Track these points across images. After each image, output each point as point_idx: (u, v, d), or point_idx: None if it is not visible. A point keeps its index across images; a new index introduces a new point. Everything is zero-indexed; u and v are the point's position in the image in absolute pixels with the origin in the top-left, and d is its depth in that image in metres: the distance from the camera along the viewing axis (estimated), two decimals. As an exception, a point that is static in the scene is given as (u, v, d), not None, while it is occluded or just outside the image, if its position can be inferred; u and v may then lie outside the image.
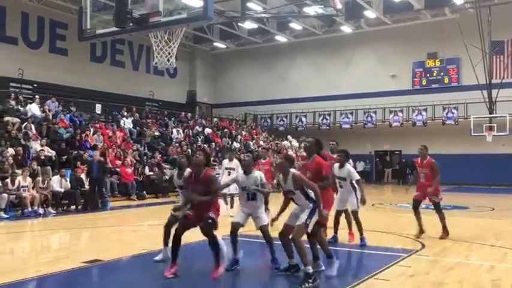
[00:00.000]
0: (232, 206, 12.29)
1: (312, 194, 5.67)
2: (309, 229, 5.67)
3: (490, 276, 6.24)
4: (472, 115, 24.84)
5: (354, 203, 7.98)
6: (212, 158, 22.23)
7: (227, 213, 9.83)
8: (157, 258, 6.43)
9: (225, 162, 12.56)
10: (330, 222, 7.87)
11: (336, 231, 8.22)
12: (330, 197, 6.52)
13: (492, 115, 24.61)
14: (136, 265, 5.71)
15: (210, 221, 5.70)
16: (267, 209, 6.82)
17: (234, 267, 6.20)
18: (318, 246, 6.12)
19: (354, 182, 7.92)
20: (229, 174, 11.80)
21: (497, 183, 24.06)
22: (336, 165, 8.10)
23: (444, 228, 8.66)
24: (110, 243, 5.68)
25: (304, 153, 7.12)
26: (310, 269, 5.43)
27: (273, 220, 6.00)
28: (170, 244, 5.95)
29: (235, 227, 6.29)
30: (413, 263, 6.91)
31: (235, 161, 12.58)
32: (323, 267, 6.12)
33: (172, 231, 6.03)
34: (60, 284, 5.84)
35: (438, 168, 8.76)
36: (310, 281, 5.34)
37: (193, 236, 5.97)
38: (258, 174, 6.53)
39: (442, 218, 8.67)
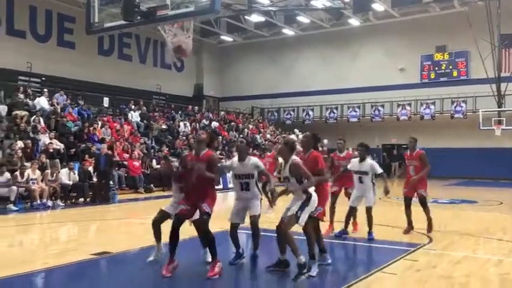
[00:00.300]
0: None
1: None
2: (301, 221, 5.47)
3: (498, 270, 6.22)
4: (481, 109, 24.66)
5: (370, 199, 7.94)
6: (219, 152, 22.30)
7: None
8: (151, 258, 6.02)
9: (235, 154, 12.43)
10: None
11: (346, 226, 8.18)
12: (326, 193, 6.27)
13: (501, 109, 24.43)
14: (144, 257, 5.75)
15: (205, 216, 5.49)
16: (261, 199, 6.39)
17: (237, 261, 6.08)
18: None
19: (376, 174, 7.95)
20: None
21: (506, 178, 23.90)
22: (355, 160, 8.07)
23: (430, 222, 8.43)
24: (118, 235, 5.73)
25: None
26: (302, 259, 5.33)
27: (270, 202, 5.99)
28: (162, 239, 5.87)
29: (233, 227, 6.10)
30: (421, 256, 6.90)
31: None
32: (329, 261, 6.08)
33: (166, 227, 5.83)
34: (68, 275, 5.90)
35: (427, 160, 8.54)
36: (305, 271, 5.28)
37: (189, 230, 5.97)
38: (254, 160, 6.13)
39: (428, 212, 8.43)
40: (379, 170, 7.98)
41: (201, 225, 5.52)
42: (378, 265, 6.29)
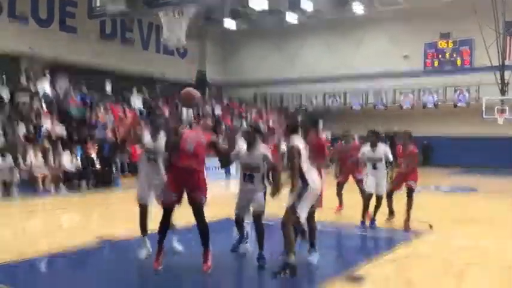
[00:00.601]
0: None
1: (306, 174, 5.13)
2: (300, 213, 5.08)
3: (499, 258, 6.26)
4: (484, 97, 24.56)
5: (383, 187, 7.93)
6: (221, 139, 22.31)
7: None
8: (143, 255, 5.63)
9: (241, 142, 12.18)
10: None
11: (374, 214, 8.04)
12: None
13: (504, 97, 24.32)
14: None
15: (203, 202, 5.20)
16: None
17: (239, 245, 5.99)
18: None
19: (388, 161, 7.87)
20: None
21: (508, 167, 23.87)
22: (367, 147, 7.94)
23: (408, 217, 7.85)
24: (121, 221, 5.76)
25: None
26: (291, 260, 4.98)
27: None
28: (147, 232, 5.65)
29: (237, 219, 5.85)
30: (420, 244, 6.94)
31: None
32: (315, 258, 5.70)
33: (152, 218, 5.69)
34: (74, 261, 5.95)
35: (418, 159, 8.11)
36: (287, 272, 4.93)
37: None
38: (263, 150, 5.52)
39: (410, 205, 7.82)
40: (391, 158, 7.89)
41: (199, 211, 5.19)
42: (378, 252, 6.34)
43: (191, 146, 5.15)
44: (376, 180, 7.94)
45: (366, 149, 7.99)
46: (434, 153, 25.76)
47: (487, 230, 8.25)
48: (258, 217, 5.49)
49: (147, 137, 5.66)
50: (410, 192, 7.92)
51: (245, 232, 6.00)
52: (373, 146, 7.89)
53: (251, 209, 5.66)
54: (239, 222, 5.90)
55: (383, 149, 7.88)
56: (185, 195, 5.23)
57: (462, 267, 5.80)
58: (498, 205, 11.62)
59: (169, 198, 5.19)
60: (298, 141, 5.23)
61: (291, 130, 5.36)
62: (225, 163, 5.72)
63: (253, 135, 5.50)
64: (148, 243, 5.64)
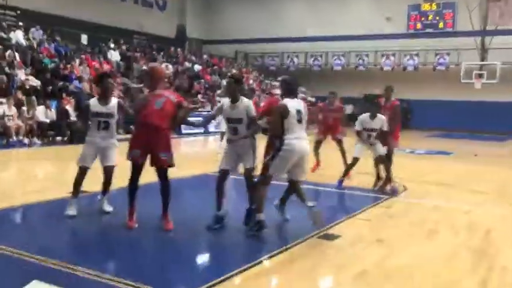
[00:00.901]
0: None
1: (287, 135, 5.02)
2: (271, 172, 5.07)
3: (467, 219, 6.43)
4: (464, 62, 24.73)
5: (379, 148, 7.75)
6: (201, 95, 22.07)
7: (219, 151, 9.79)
8: (70, 212, 5.45)
9: (224, 100, 11.90)
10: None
11: (378, 178, 8.05)
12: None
13: (483, 62, 24.54)
14: (121, 197, 5.76)
15: (167, 161, 5.04)
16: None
17: (216, 225, 5.23)
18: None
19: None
20: None
21: (484, 131, 24.35)
22: (366, 116, 7.68)
23: (388, 178, 7.83)
24: (96, 175, 5.70)
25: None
26: (260, 217, 5.00)
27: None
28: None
29: (222, 175, 5.34)
30: (395, 204, 7.08)
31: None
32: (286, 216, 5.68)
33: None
34: (47, 212, 5.91)
35: (400, 113, 8.22)
36: (255, 229, 5.00)
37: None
38: (247, 103, 5.25)
39: (389, 168, 7.79)
40: (386, 128, 7.69)
41: (164, 171, 5.09)
42: (353, 211, 6.44)
43: (159, 103, 5.02)
44: (366, 147, 7.80)
45: (366, 118, 7.73)
46: (413, 117, 26.08)
47: (458, 191, 8.45)
48: (248, 174, 5.28)
49: (93, 102, 5.56)
50: (389, 155, 7.91)
51: (223, 211, 5.33)
52: (373, 116, 7.66)
53: (241, 166, 5.40)
54: (221, 183, 5.31)
55: (382, 120, 7.66)
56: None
57: (432, 226, 5.96)
58: (471, 168, 11.88)
59: (133, 155, 5.06)
60: (291, 103, 5.09)
61: (283, 93, 5.31)
62: (176, 125, 5.35)
63: (233, 86, 5.27)
64: (75, 207, 5.51)
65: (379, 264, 4.46)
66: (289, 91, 5.26)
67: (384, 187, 7.81)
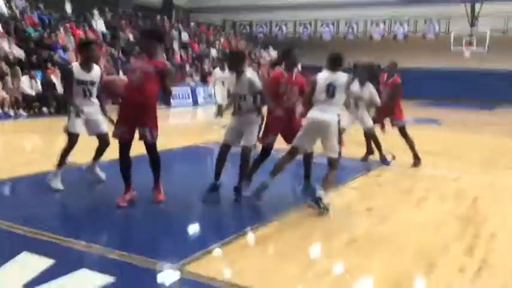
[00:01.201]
0: (221, 115, 11.80)
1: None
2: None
3: (455, 186, 6.51)
4: (454, 30, 24.63)
5: (368, 121, 7.60)
6: (189, 65, 21.79)
7: (216, 122, 9.66)
8: (57, 186, 5.37)
9: (217, 71, 11.48)
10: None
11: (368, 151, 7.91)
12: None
13: (473, 30, 24.46)
14: (111, 169, 5.72)
15: (153, 137, 4.87)
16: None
17: (211, 193, 5.25)
18: None
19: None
20: (223, 85, 11.28)
21: (473, 99, 24.45)
22: (355, 85, 7.21)
23: (414, 154, 7.71)
24: (83, 147, 5.63)
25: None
26: (246, 192, 5.19)
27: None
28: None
29: (223, 147, 5.32)
30: (383, 173, 7.13)
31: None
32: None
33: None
34: (35, 185, 5.84)
35: (401, 90, 7.92)
36: (238, 200, 5.18)
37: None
38: (251, 75, 5.18)
39: (410, 142, 7.70)
40: (378, 103, 7.45)
41: (152, 146, 4.94)
42: (341, 180, 6.46)
43: (137, 78, 4.77)
44: (354, 118, 7.59)
45: (354, 87, 7.22)
46: (403, 86, 26.03)
47: (447, 159, 8.52)
48: (245, 152, 5.20)
49: (76, 69, 5.40)
50: (403, 131, 7.71)
51: (219, 182, 5.33)
52: (362, 84, 7.44)
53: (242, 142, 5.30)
54: (222, 155, 5.31)
55: (370, 91, 7.44)
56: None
57: (421, 194, 6.02)
58: (459, 136, 11.98)
59: (118, 132, 4.91)
60: (323, 75, 5.08)
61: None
62: (167, 94, 5.01)
63: (235, 62, 5.22)
64: (60, 179, 5.43)
65: (368, 233, 4.51)
66: (331, 63, 5.13)
67: (383, 157, 7.65)
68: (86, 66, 5.42)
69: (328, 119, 4.98)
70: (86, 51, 5.48)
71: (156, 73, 4.78)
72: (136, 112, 4.79)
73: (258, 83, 5.18)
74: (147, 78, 4.77)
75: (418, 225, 4.77)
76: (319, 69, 5.28)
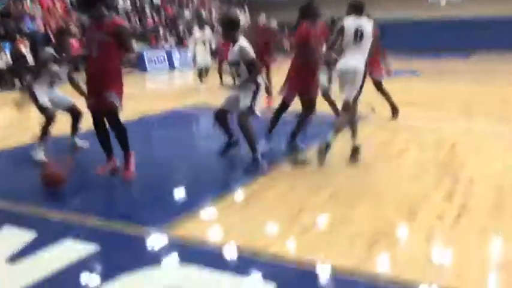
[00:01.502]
0: (201, 80, 11.60)
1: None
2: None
3: (434, 136, 6.59)
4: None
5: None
6: (162, 29, 21.28)
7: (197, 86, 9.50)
8: (40, 157, 5.36)
9: (196, 31, 11.18)
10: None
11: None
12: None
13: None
14: (90, 140, 5.63)
15: (114, 104, 4.63)
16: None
17: (230, 149, 5.42)
18: None
19: None
20: (204, 45, 11.02)
21: (449, 48, 24.52)
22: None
23: (392, 105, 7.82)
24: (61, 119, 5.53)
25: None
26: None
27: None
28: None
29: (218, 113, 5.33)
30: (363, 125, 7.14)
31: (208, 30, 11.50)
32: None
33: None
34: (13, 158, 5.78)
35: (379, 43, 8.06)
36: (355, 157, 5.29)
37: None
38: (240, 46, 5.07)
39: (387, 95, 7.82)
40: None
41: (111, 116, 4.70)
42: (319, 136, 6.47)
43: (95, 49, 4.59)
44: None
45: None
46: (380, 37, 25.93)
47: (426, 110, 8.60)
48: (239, 119, 5.11)
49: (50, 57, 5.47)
50: (379, 86, 7.76)
51: (234, 137, 5.45)
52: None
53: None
54: (220, 117, 5.34)
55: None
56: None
57: (401, 145, 6.09)
58: (437, 86, 12.06)
59: (88, 103, 4.79)
60: (349, 21, 5.13)
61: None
62: (129, 52, 4.68)
63: (228, 30, 5.11)
64: (43, 150, 5.42)
65: (350, 185, 4.57)
66: (355, 9, 5.19)
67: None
68: (33, 49, 5.39)
69: (356, 65, 5.11)
70: (60, 42, 5.62)
71: (110, 36, 4.54)
72: (100, 79, 4.63)
73: (249, 51, 5.07)
74: (102, 46, 4.56)
75: (398, 175, 4.84)
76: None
